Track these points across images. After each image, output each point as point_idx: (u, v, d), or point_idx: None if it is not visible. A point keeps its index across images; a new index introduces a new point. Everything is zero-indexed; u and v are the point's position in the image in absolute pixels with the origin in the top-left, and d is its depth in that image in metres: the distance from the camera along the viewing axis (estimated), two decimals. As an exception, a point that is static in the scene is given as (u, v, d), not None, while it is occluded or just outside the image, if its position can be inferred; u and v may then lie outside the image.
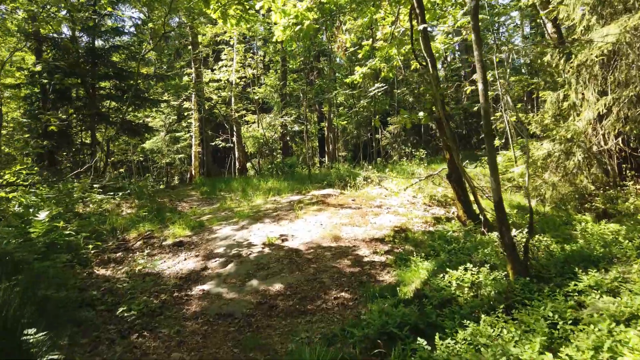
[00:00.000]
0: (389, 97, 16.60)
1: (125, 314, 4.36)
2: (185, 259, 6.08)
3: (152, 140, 24.48)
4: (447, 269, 3.98)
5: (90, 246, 6.32)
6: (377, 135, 19.98)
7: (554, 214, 6.72)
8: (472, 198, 6.27)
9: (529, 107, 15.77)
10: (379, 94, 13.10)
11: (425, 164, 11.65)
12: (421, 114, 5.75)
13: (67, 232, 6.25)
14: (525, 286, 3.40)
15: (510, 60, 11.41)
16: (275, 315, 4.42)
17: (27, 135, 16.28)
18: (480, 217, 5.50)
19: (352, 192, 9.62)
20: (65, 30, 19.94)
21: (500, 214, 3.51)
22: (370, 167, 10.94)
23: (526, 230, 4.32)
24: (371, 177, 10.41)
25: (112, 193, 11.01)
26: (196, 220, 8.49)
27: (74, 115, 17.18)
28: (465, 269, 3.72)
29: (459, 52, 21.44)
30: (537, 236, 4.64)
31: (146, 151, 25.29)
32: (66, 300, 4.53)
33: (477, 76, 3.74)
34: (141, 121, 23.18)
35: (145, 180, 24.15)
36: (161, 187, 22.36)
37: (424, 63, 6.19)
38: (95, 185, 10.77)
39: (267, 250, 6.03)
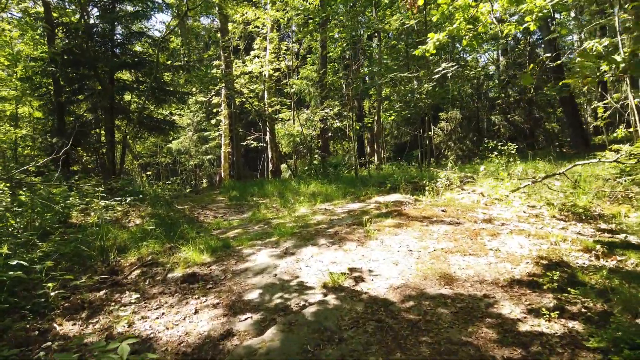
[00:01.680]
0: (457, 82, 13.80)
1: None
2: (196, 311, 3.66)
3: (179, 140, 22.60)
4: None
5: (50, 285, 4.01)
6: (429, 132, 17.19)
7: None
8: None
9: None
10: (449, 74, 10.44)
11: (522, 161, 8.88)
12: (620, 56, 3.15)
13: (15, 263, 3.98)
14: None
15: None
16: None
17: (47, 135, 14.64)
18: None
19: (431, 199, 7.01)
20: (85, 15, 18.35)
21: None
22: (450, 165, 8.31)
23: None
24: (451, 179, 7.77)
25: (119, 198, 8.88)
26: (220, 237, 6.11)
27: (95, 112, 15.28)
28: None
29: (539, 34, 18.33)
30: None
31: (173, 152, 23.44)
32: None
33: None
34: (167, 118, 21.45)
35: (173, 184, 22.28)
36: (187, 190, 20.43)
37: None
38: (98, 189, 8.63)
39: (332, 298, 3.53)
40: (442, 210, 5.77)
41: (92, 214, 8.17)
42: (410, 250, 4.38)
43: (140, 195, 9.60)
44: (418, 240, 4.65)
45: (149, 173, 30.59)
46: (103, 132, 17.12)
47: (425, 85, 10.74)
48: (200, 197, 11.99)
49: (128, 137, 18.90)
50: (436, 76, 10.74)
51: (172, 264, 5.01)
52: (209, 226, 7.30)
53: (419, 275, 3.81)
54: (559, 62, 8.03)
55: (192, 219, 8.41)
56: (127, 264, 5.30)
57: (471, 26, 7.77)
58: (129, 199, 8.79)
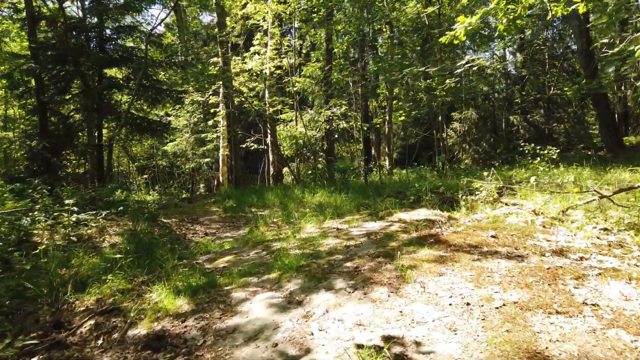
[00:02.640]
0: (471, 81, 12.34)
1: None
2: (151, 416, 2.36)
3: (175, 142, 21.27)
4: None
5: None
6: (441, 134, 15.80)
7: None
8: None
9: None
10: (474, 68, 9.16)
11: (559, 167, 7.55)
12: None
13: None
14: None
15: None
16: None
17: (26, 138, 13.41)
18: None
19: (467, 216, 5.70)
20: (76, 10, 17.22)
21: None
22: (489, 172, 7.04)
23: None
24: (487, 191, 6.47)
25: (93, 212, 7.64)
26: (205, 268, 4.82)
27: (83, 113, 14.02)
28: None
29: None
30: None
31: (169, 155, 22.13)
32: None
33: None
34: (163, 119, 20.28)
35: (170, 188, 21.02)
36: (183, 196, 19.20)
37: None
38: (68, 201, 7.38)
39: (364, 399, 2.24)
40: (492, 236, 4.46)
41: (62, 230, 6.95)
42: (469, 304, 3.07)
43: (121, 207, 8.33)
44: (474, 285, 3.34)
45: (145, 176, 29.37)
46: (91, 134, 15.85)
47: (447, 81, 9.44)
48: (192, 206, 10.71)
49: (117, 138, 17.68)
50: (459, 70, 9.46)
51: (137, 312, 3.73)
52: (196, 248, 6.01)
53: (495, 353, 2.50)
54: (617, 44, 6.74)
55: (178, 237, 7.13)
56: (82, 308, 4.03)
57: (512, 6, 6.49)
58: (104, 213, 7.55)
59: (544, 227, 4.80)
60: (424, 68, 10.08)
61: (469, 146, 16.97)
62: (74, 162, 14.68)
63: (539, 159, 7.61)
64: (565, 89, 15.83)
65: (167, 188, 26.53)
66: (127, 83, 14.77)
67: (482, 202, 6.38)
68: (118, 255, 4.90)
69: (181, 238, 7.05)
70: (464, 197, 6.45)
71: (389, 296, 3.31)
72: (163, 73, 19.11)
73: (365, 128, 15.73)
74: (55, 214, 7.16)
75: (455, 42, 6.70)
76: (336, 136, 16.57)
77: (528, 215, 5.17)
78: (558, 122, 17.95)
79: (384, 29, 14.77)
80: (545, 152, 7.58)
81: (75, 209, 7.32)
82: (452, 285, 3.39)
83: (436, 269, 3.71)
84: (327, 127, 14.44)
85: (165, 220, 8.38)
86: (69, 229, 6.87)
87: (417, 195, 7.16)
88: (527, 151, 7.94)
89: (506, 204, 6.30)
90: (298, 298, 3.51)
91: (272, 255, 4.86)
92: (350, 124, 15.94)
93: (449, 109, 18.81)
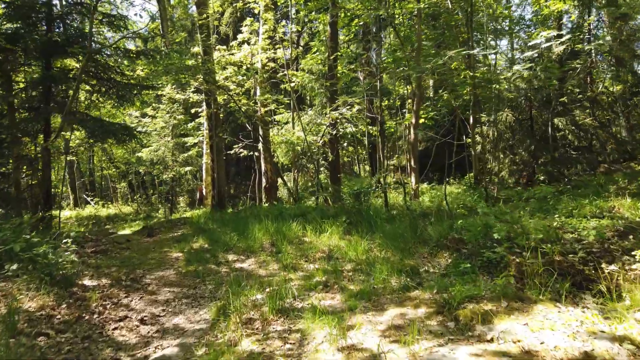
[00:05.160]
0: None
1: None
2: None
3: (152, 147, 18.03)
4: None
5: None
6: (471, 139, 12.60)
7: None
8: None
9: None
10: (557, 46, 6.09)
11: None
12: None
13: None
14: None
15: None
16: None
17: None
18: None
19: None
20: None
21: None
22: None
23: None
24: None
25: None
26: None
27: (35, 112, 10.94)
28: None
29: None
30: None
31: (144, 163, 18.92)
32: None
33: None
34: (139, 121, 17.26)
35: (152, 197, 18.65)
36: (160, 212, 16.12)
37: None
38: None
39: None
40: None
41: None
42: None
43: (18, 264, 5.21)
44: None
45: (123, 184, 26.11)
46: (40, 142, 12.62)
47: (515, 67, 6.43)
48: (147, 246, 7.59)
49: (77, 143, 14.57)
50: (531, 53, 6.45)
51: None
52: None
53: None
54: None
55: (88, 334, 4.04)
56: None
57: None
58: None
59: None
60: (476, 50, 7.03)
61: (503, 154, 13.95)
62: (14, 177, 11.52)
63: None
64: (618, 87, 12.87)
65: (147, 198, 23.46)
66: (87, 76, 11.63)
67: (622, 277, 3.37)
68: None
69: (92, 336, 3.99)
70: (603, 266, 3.43)
71: None
72: (140, 68, 16.07)
73: (375, 133, 12.69)
74: None
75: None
76: (345, 144, 13.45)
77: None
78: (605, 126, 14.93)
79: (398, 14, 11.63)
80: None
81: None
82: None
83: None
84: (333, 132, 11.35)
85: (88, 284, 5.28)
86: None
87: (504, 258, 4.12)
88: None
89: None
90: None
91: None
92: (360, 127, 12.92)
93: (475, 110, 15.79)
